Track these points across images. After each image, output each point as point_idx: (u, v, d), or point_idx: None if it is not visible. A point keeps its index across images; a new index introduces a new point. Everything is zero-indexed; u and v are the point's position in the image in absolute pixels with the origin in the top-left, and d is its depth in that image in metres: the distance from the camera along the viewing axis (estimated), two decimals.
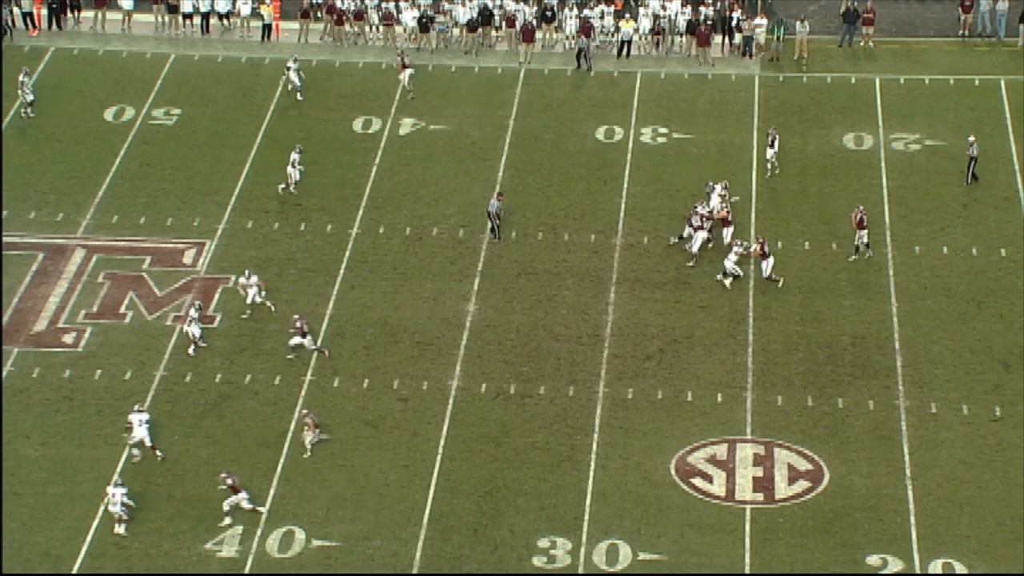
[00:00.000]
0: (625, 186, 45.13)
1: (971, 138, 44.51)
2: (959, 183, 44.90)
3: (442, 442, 36.47)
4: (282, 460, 35.98)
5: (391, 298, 41.14)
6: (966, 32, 52.30)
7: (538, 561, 33.32)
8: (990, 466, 35.38)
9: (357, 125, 48.19)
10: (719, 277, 40.97)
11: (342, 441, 36.57)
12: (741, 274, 40.79)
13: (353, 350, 39.38)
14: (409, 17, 52.30)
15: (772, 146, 45.13)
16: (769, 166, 45.13)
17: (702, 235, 41.71)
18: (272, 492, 35.06)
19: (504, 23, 52.39)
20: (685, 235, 42.24)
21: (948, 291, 40.81)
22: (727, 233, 42.18)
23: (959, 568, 32.81)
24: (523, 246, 42.75)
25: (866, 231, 41.21)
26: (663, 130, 47.67)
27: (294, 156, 44.84)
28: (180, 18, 52.96)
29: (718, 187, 42.86)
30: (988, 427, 36.45)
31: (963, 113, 47.88)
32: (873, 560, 33.10)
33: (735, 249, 40.79)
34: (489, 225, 42.68)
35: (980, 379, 37.94)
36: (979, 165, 44.79)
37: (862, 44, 51.76)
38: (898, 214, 43.49)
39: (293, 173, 44.66)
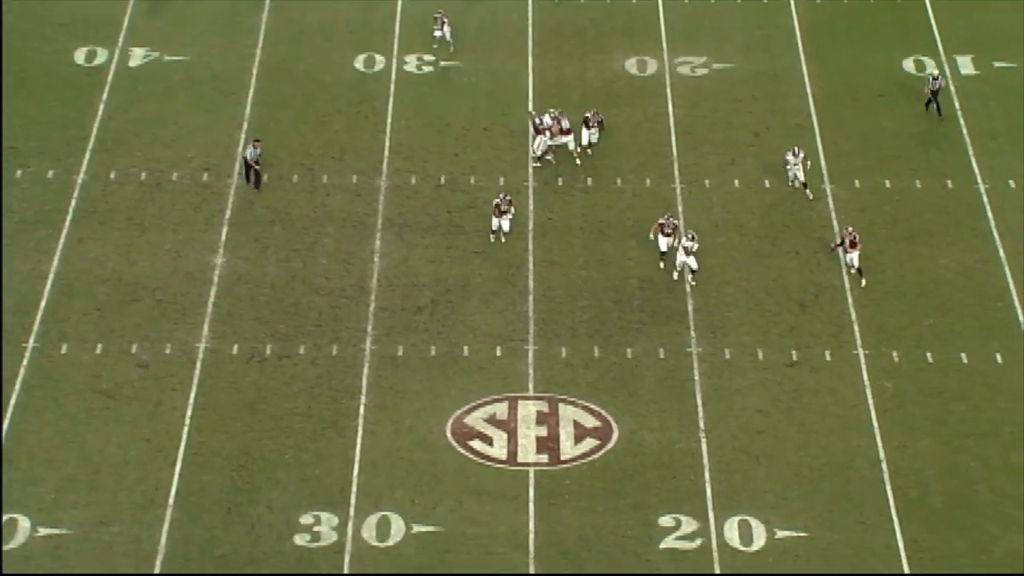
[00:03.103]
0: (389, 121, 44.92)
1: (934, 72, 44.79)
2: (749, 109, 45.91)
3: (189, 412, 35.96)
4: (2, 439, 34.88)
5: (126, 251, 40.25)
6: None
7: (300, 540, 33.16)
8: (787, 414, 36.42)
9: (79, 56, 46.80)
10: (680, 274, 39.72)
11: (73, 415, 35.68)
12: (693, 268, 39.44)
13: (84, 311, 38.43)
14: None
15: (441, 28, 47.07)
16: (450, 43, 47.15)
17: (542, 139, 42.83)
18: None
19: None
20: None
21: (740, 227, 41.72)
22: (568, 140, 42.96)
23: (755, 525, 33.68)
24: (276, 190, 42.23)
25: (857, 253, 39.47)
26: (428, 58, 47.48)
27: None
28: None
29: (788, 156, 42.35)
30: (784, 372, 37.50)
31: (752, 33, 48.89)
32: (666, 521, 33.80)
33: (685, 243, 39.52)
34: (245, 175, 41.78)
35: (775, 321, 38.96)
36: (775, 87, 45.85)
37: None
38: (686, 145, 44.25)
39: None
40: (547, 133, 43.28)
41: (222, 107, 45.24)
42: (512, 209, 40.77)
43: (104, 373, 36.83)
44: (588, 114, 43.83)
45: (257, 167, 42.00)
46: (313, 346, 37.72)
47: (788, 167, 42.39)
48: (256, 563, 32.56)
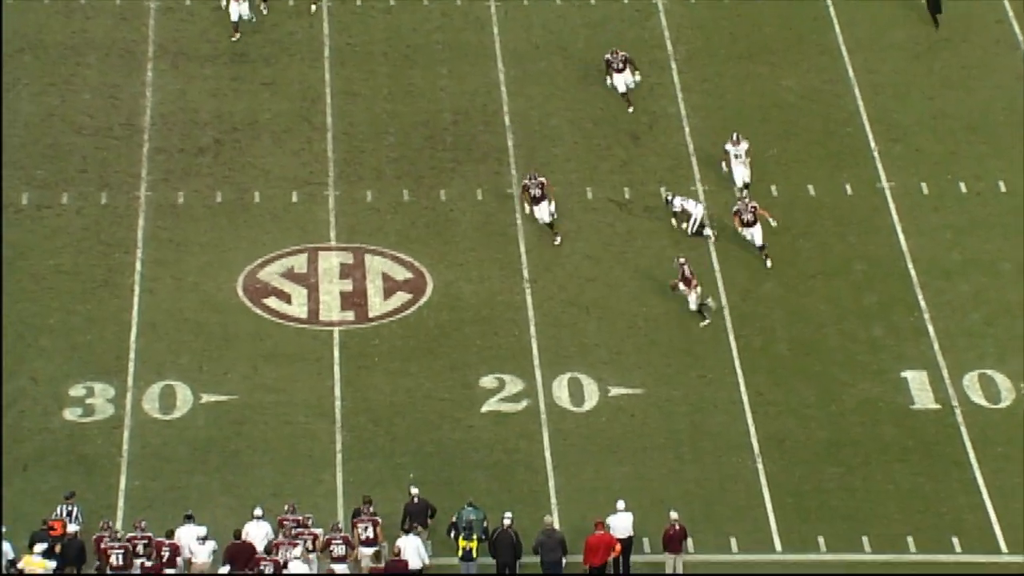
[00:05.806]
0: None
1: None
2: None
3: None
4: None
5: None
6: None
7: (71, 414, 33.00)
8: (619, 259, 36.75)
9: None
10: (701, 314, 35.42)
11: None
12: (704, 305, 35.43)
13: None
14: None
15: None
16: None
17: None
18: None
19: None
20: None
21: (564, 50, 41.71)
22: None
23: (587, 383, 33.98)
24: (25, 12, 41.65)
25: (759, 228, 36.04)
26: None
27: None
28: None
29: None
30: (615, 213, 37.79)
31: None
32: (488, 382, 34.02)
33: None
34: None
35: (605, 155, 39.11)
36: None
37: None
38: None
39: None
40: None
41: None
42: (552, 200, 36.64)
43: None
44: (608, 55, 39.99)
45: None
46: (78, 194, 37.38)
47: (730, 161, 37.61)
48: (20, 442, 32.24)
